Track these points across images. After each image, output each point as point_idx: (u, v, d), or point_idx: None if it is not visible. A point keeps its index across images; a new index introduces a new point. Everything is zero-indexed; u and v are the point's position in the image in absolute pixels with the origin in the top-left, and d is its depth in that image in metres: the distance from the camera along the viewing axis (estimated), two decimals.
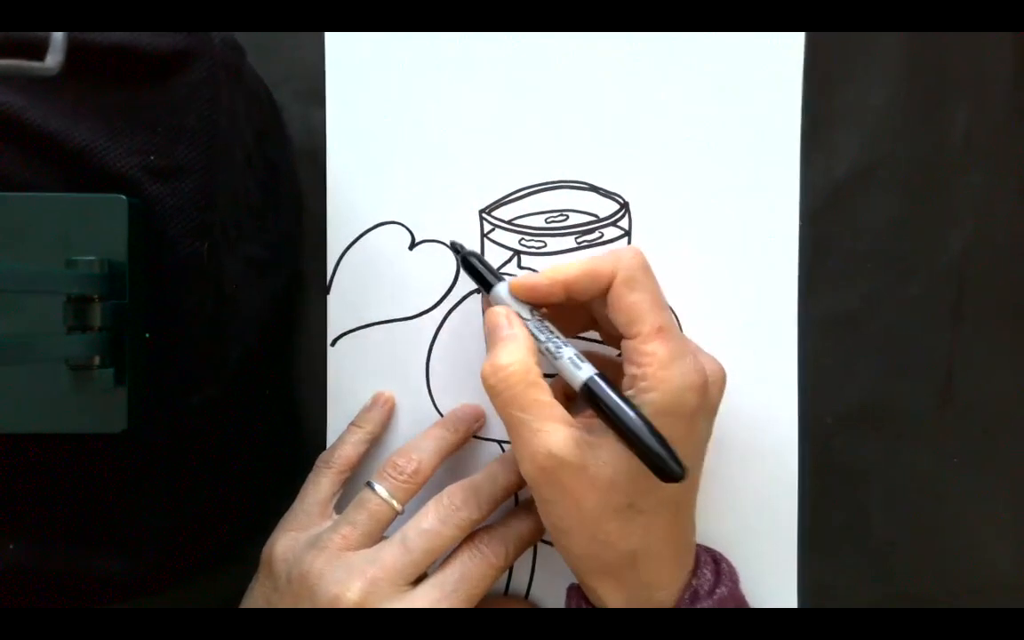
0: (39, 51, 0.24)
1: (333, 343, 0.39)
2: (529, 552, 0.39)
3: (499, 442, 0.39)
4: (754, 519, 0.38)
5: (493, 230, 0.38)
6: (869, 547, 0.39)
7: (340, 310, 0.39)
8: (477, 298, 0.39)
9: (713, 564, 0.35)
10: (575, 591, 0.35)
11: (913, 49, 0.39)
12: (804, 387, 0.38)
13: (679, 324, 0.38)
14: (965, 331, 0.39)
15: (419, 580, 0.33)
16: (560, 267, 0.32)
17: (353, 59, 0.38)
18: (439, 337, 0.39)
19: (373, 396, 0.38)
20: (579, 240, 0.38)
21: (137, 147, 0.31)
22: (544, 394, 0.31)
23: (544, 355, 0.32)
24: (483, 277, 0.35)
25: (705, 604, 0.32)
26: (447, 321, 0.39)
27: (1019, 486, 0.39)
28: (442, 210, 0.38)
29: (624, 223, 0.38)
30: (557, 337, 0.32)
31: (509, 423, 0.31)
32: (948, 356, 0.39)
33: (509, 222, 0.38)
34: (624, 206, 0.38)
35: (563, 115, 0.38)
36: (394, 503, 0.34)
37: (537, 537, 0.37)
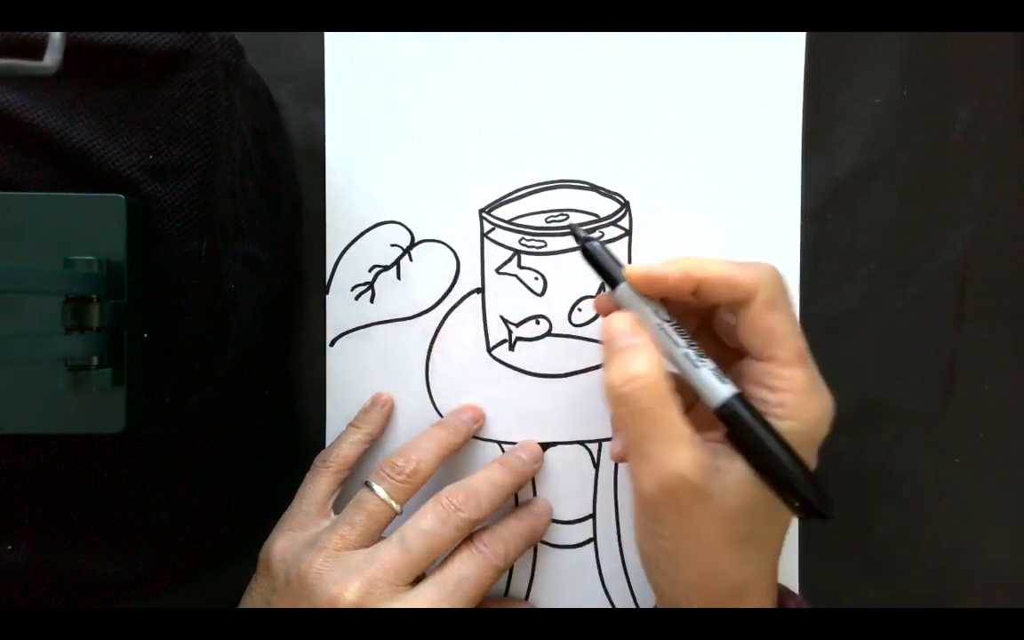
0: (37, 50, 0.24)
1: (332, 343, 0.39)
2: (529, 553, 0.38)
3: (499, 443, 0.39)
4: None
5: (493, 229, 0.38)
6: (869, 547, 0.39)
7: (339, 310, 0.39)
8: (477, 298, 0.39)
9: (791, 597, 0.34)
10: None
11: (913, 49, 0.39)
12: None
13: None
14: (966, 331, 0.39)
15: (417, 581, 0.33)
16: (693, 261, 0.30)
17: (352, 58, 0.38)
18: (439, 337, 0.39)
19: (372, 397, 0.38)
20: None
21: (136, 146, 0.31)
22: (674, 411, 0.28)
23: (677, 364, 0.30)
24: (608, 273, 0.31)
25: None
26: (447, 321, 0.39)
27: (1019, 486, 0.39)
28: (442, 209, 0.38)
29: (624, 223, 0.38)
30: (695, 346, 0.30)
31: (632, 437, 0.29)
32: (949, 356, 0.39)
33: (509, 221, 0.38)
34: (624, 205, 0.38)
35: (563, 115, 0.38)
36: (392, 503, 0.34)
37: (536, 538, 0.37)
